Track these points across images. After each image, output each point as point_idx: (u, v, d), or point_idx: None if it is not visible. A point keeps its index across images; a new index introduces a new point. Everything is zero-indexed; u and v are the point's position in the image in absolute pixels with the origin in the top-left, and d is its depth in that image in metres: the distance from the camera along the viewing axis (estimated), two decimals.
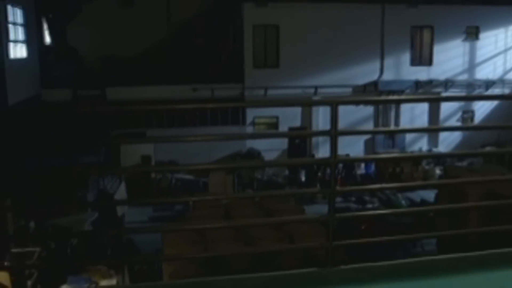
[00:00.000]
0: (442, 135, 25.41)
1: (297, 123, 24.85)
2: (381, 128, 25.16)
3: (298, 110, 24.62)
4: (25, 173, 10.16)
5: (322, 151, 24.04)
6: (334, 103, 4.10)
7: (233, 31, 26.34)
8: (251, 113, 24.29)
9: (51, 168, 17.89)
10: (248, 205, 10.55)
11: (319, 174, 22.46)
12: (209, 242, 8.32)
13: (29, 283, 8.78)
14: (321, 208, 13.77)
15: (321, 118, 24.25)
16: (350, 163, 22.44)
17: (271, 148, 23.13)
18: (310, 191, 25.43)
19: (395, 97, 24.37)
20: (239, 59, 24.95)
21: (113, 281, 9.26)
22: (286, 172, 23.27)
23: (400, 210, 15.32)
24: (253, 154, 23.38)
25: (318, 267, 4.23)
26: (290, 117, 24.42)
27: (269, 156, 23.00)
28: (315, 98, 24.05)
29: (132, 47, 25.51)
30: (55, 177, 14.57)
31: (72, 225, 13.55)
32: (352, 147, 22.74)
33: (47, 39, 26.07)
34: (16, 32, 21.25)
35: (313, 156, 24.27)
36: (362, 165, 23.79)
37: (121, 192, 18.33)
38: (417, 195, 19.86)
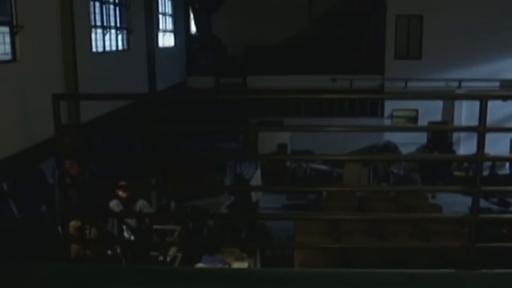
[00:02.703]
0: None
1: (438, 117, 23.81)
2: None
3: (439, 104, 23.58)
4: (168, 155, 10.72)
5: (463, 148, 22.89)
6: (484, 97, 3.85)
7: (374, 21, 25.80)
8: (390, 105, 23.69)
9: (193, 151, 18.78)
10: (383, 199, 10.32)
11: (456, 172, 21.41)
12: (341, 233, 8.26)
13: (168, 258, 9.28)
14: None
15: (464, 113, 23.05)
16: (498, 161, 21.04)
17: (409, 142, 22.40)
18: (452, 189, 24.29)
19: None
20: (380, 49, 24.41)
21: (245, 264, 9.51)
22: (420, 167, 22.40)
23: None
24: (390, 147, 22.83)
25: (456, 269, 4.02)
26: (431, 110, 23.46)
27: (406, 150, 22.31)
28: (459, 91, 22.92)
29: (273, 36, 25.90)
30: (196, 160, 15.26)
31: (209, 207, 14.11)
32: (495, 145, 21.33)
33: (193, 28, 27.29)
34: (165, 22, 22.46)
35: (453, 152, 23.15)
36: (507, 164, 22.27)
37: (256, 178, 18.76)
38: None
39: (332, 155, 16.70)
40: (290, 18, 25.71)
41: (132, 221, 8.68)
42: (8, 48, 10.26)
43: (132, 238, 8.56)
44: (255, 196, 16.98)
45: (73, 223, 7.08)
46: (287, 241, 11.63)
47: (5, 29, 10.15)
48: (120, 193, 8.67)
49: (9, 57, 10.29)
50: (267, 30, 25.66)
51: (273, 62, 25.18)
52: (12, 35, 10.25)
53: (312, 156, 15.23)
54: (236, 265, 9.27)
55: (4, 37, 10.12)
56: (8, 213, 8.56)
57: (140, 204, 8.81)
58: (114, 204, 8.70)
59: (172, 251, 9.52)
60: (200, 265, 8.70)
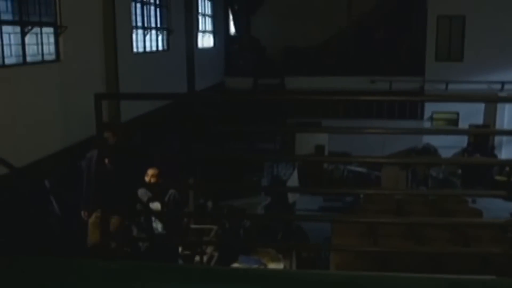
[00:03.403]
0: None
1: (479, 120, 23.33)
2: None
3: (481, 106, 23.11)
4: (207, 154, 10.79)
5: (505, 152, 22.39)
6: None
7: (415, 22, 25.47)
8: (430, 108, 23.35)
9: (231, 151, 18.87)
10: (421, 203, 10.18)
11: (498, 176, 20.92)
12: (378, 236, 8.18)
13: (205, 258, 9.34)
14: None
15: (506, 116, 22.56)
16: None
17: (449, 145, 22.03)
18: (493, 194, 23.77)
19: None
20: (420, 51, 24.08)
21: (281, 265, 9.49)
22: (459, 171, 22.00)
23: None
24: (429, 150, 22.49)
25: (497, 276, 3.93)
26: (472, 113, 23.01)
27: (446, 153, 21.95)
28: (501, 94, 22.43)
29: (312, 37, 25.82)
30: (233, 160, 15.33)
31: (246, 207, 14.15)
32: None
33: (232, 29, 27.44)
34: (205, 23, 22.65)
35: (495, 156, 22.67)
36: None
37: (293, 180, 18.73)
38: None
39: (370, 157, 16.52)
40: (329, 19, 25.60)
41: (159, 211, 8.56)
42: (52, 48, 10.50)
43: (160, 228, 8.48)
44: (292, 197, 16.95)
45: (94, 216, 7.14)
46: (323, 243, 11.57)
47: (50, 29, 10.39)
48: (149, 178, 8.45)
49: (53, 57, 10.54)
50: (305, 31, 25.59)
51: (311, 63, 25.11)
52: (56, 35, 10.50)
53: (350, 158, 15.13)
54: (271, 266, 9.27)
55: (48, 37, 10.37)
56: (50, 209, 8.75)
57: (172, 193, 8.59)
58: (142, 193, 8.44)
59: (209, 250, 9.58)
60: (236, 265, 8.73)
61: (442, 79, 22.96)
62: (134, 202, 7.99)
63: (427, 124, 23.50)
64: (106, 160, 6.89)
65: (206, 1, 22.76)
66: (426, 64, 23.64)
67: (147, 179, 8.46)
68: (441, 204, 9.75)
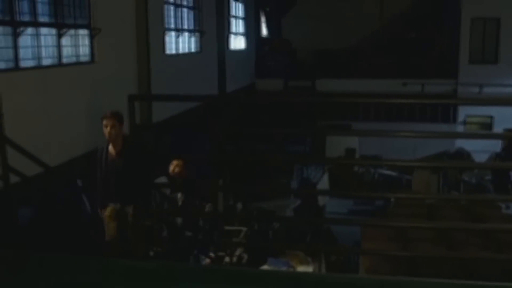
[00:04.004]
0: None
1: None
2: None
3: None
4: (236, 156, 10.80)
5: None
6: None
7: (448, 24, 25.14)
8: (463, 111, 23.02)
9: (261, 153, 18.89)
10: (453, 208, 10.04)
11: None
12: (408, 241, 8.10)
13: (234, 259, 9.37)
14: None
15: None
16: None
17: (483, 150, 21.67)
18: None
19: None
20: (454, 53, 23.76)
21: (310, 268, 9.47)
22: (490, 176, 21.61)
23: None
24: (462, 155, 22.16)
25: None
26: (507, 117, 22.58)
27: (479, 158, 21.59)
28: None
29: (343, 39, 25.70)
30: (263, 162, 15.34)
31: (275, 209, 14.16)
32: None
33: (263, 31, 27.49)
34: (237, 25, 22.75)
35: None
36: None
37: (323, 182, 18.67)
38: None
39: (401, 161, 16.39)
40: (361, 21, 25.45)
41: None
42: (87, 50, 10.70)
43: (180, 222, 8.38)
44: (321, 200, 16.90)
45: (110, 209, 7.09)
46: (353, 246, 11.50)
47: (85, 31, 10.58)
48: (173, 168, 8.28)
49: (87, 58, 10.73)
50: (337, 33, 25.49)
51: (343, 66, 24.99)
52: (91, 37, 10.69)
53: (380, 161, 15.01)
54: (300, 268, 9.25)
55: (83, 39, 10.56)
56: (82, 208, 8.88)
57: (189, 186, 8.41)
58: (162, 181, 8.26)
59: (238, 252, 9.61)
60: (265, 267, 8.74)
61: (476, 81, 22.62)
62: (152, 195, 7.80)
63: (460, 128, 23.18)
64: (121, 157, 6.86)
65: (238, 4, 22.87)
66: (460, 67, 23.33)
67: (171, 168, 8.38)
68: (473, 209, 9.60)
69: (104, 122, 6.89)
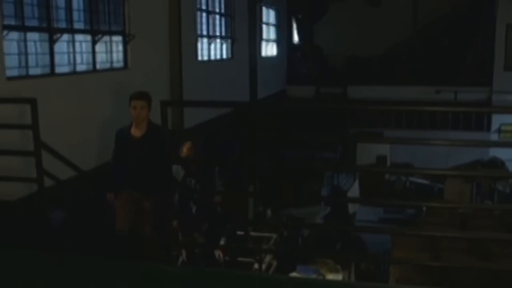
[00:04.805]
0: None
1: None
2: None
3: None
4: (268, 163, 10.81)
5: None
6: None
7: (482, 31, 24.76)
8: (497, 119, 22.60)
9: (291, 160, 18.88)
10: (486, 217, 9.87)
11: None
12: (440, 251, 7.99)
13: (264, 266, 9.38)
14: None
15: None
16: None
17: None
18: None
19: None
20: (488, 60, 23.38)
21: (339, 276, 9.42)
22: None
23: None
24: (496, 163, 21.77)
25: None
26: None
27: None
28: None
29: (376, 46, 25.51)
30: (294, 169, 15.33)
31: (305, 216, 14.12)
32: None
33: (295, 38, 27.50)
34: (268, 32, 22.83)
35: None
36: None
37: (354, 190, 18.55)
38: None
39: (433, 170, 16.19)
40: (394, 28, 25.22)
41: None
42: (120, 56, 10.86)
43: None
44: (352, 207, 16.79)
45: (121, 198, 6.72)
46: (383, 255, 11.40)
47: (118, 38, 10.76)
48: (185, 153, 7.96)
49: (121, 64, 10.90)
50: (369, 40, 25.31)
51: (374, 73, 24.84)
52: (125, 44, 10.85)
53: (412, 169, 14.85)
54: (330, 276, 9.21)
55: (117, 45, 10.73)
56: (114, 212, 8.98)
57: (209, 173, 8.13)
58: (177, 169, 7.72)
59: (268, 258, 9.62)
60: (294, 274, 8.72)
61: (511, 89, 22.22)
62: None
63: (494, 137, 22.77)
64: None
65: (270, 11, 22.95)
66: (494, 74, 22.92)
67: (184, 151, 8.13)
68: (507, 219, 9.42)
69: (133, 103, 6.59)
